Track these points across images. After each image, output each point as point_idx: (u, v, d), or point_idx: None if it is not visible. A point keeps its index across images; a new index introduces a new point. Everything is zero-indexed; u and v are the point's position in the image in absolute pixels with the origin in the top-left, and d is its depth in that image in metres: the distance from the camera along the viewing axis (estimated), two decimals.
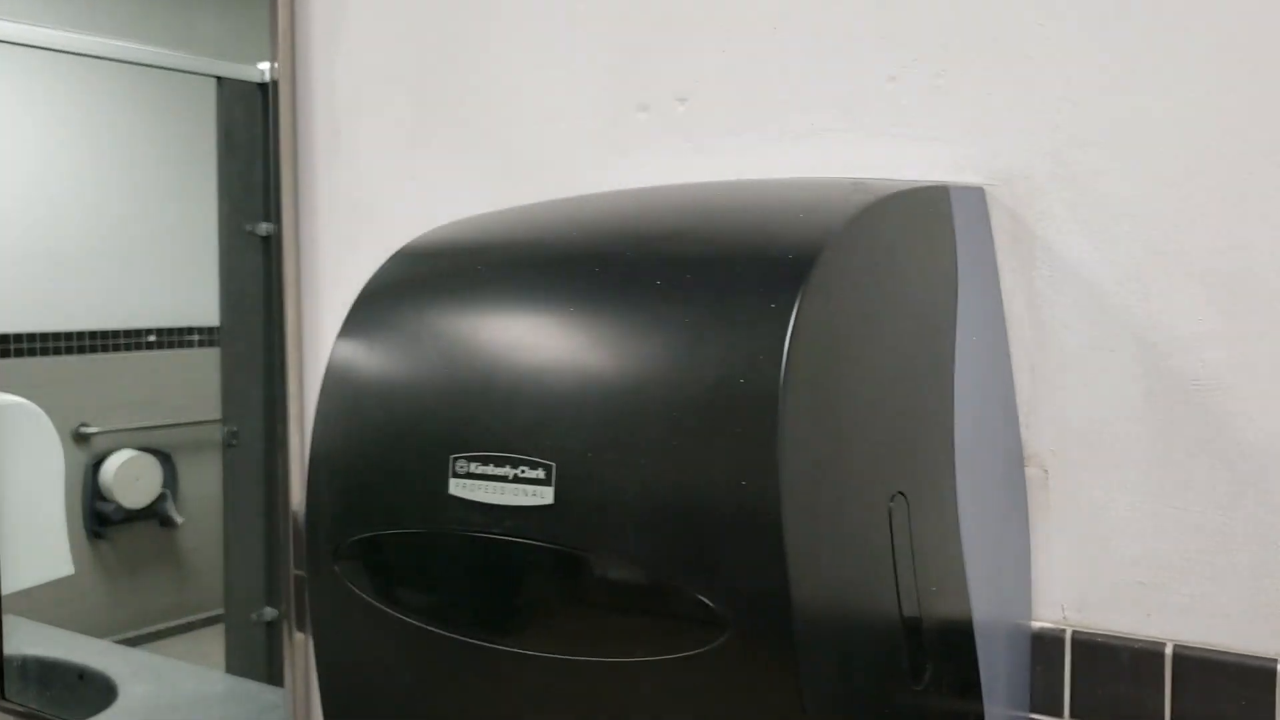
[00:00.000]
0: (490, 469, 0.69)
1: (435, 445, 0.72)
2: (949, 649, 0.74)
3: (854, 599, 0.66)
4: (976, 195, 0.82)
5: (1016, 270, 0.83)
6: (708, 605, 0.63)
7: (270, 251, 1.35)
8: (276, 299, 1.25)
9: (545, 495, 0.67)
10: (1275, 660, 0.75)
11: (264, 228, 1.41)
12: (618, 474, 0.65)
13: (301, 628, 1.24)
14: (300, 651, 1.25)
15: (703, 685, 0.64)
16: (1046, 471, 0.83)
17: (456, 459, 0.71)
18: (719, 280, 0.65)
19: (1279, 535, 0.75)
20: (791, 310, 0.61)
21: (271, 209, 1.26)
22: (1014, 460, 0.83)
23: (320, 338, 1.22)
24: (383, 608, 0.76)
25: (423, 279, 0.80)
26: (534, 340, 0.71)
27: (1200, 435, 0.77)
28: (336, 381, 0.80)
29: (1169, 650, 0.79)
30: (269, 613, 1.45)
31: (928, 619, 0.71)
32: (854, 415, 0.66)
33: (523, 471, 0.68)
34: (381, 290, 0.82)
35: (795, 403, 0.61)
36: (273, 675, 1.38)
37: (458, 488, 0.71)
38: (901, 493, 0.69)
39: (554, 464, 0.67)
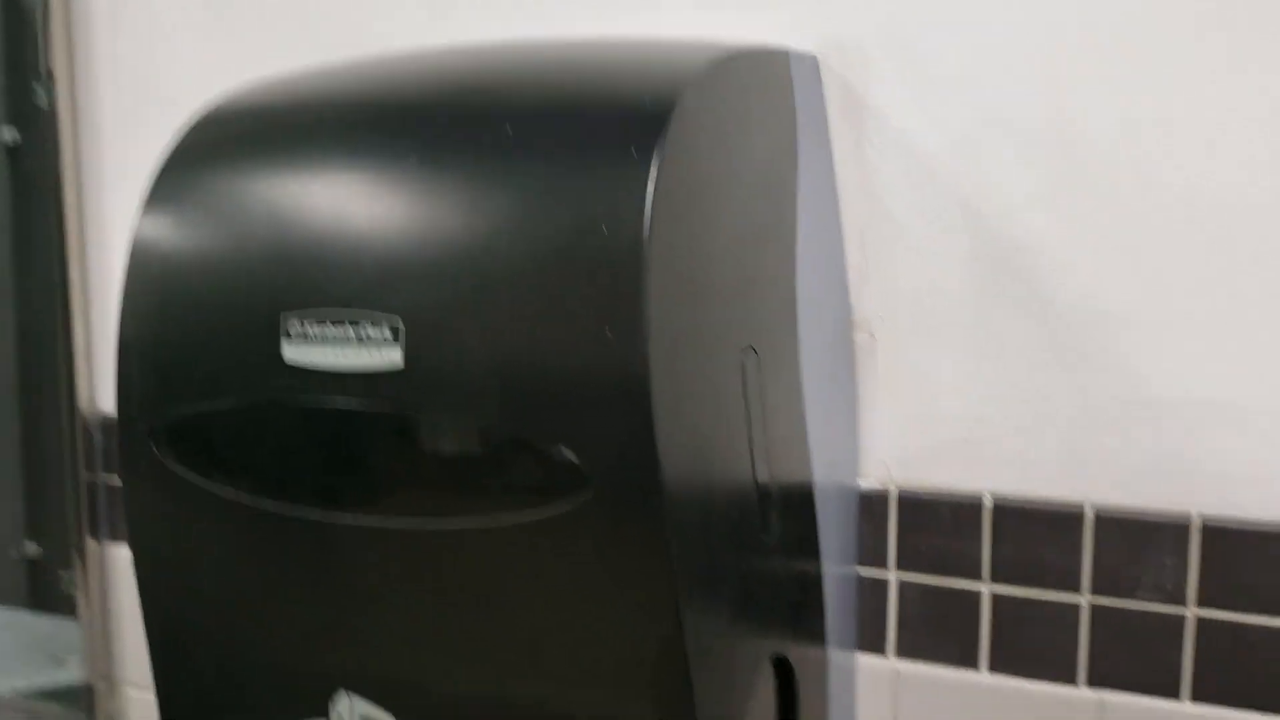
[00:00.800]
0: (328, 329, 0.66)
1: (261, 305, 0.68)
2: (792, 509, 0.76)
3: (713, 453, 0.66)
4: (810, 62, 0.82)
5: (848, 139, 0.84)
6: (573, 462, 0.62)
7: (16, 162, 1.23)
8: (53, 183, 1.15)
9: (393, 356, 0.64)
10: (1084, 505, 0.81)
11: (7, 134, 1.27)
12: (472, 327, 0.63)
13: (96, 536, 1.16)
14: (95, 563, 1.17)
15: (568, 545, 0.63)
16: (874, 337, 0.85)
17: (288, 318, 0.67)
18: (575, 127, 0.63)
19: (1091, 391, 0.80)
20: (653, 156, 0.60)
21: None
22: (844, 327, 0.85)
23: (105, 223, 1.13)
24: (212, 490, 0.71)
25: (238, 137, 0.75)
26: (374, 193, 0.67)
27: (1020, 298, 0.81)
28: (144, 254, 0.74)
29: (988, 502, 0.83)
30: (30, 548, 1.34)
31: (776, 475, 0.73)
32: (710, 267, 0.66)
33: (365, 330, 0.65)
34: (189, 153, 0.76)
35: (660, 250, 0.60)
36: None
37: (292, 352, 0.67)
38: (753, 348, 0.69)
39: (401, 321, 0.64)
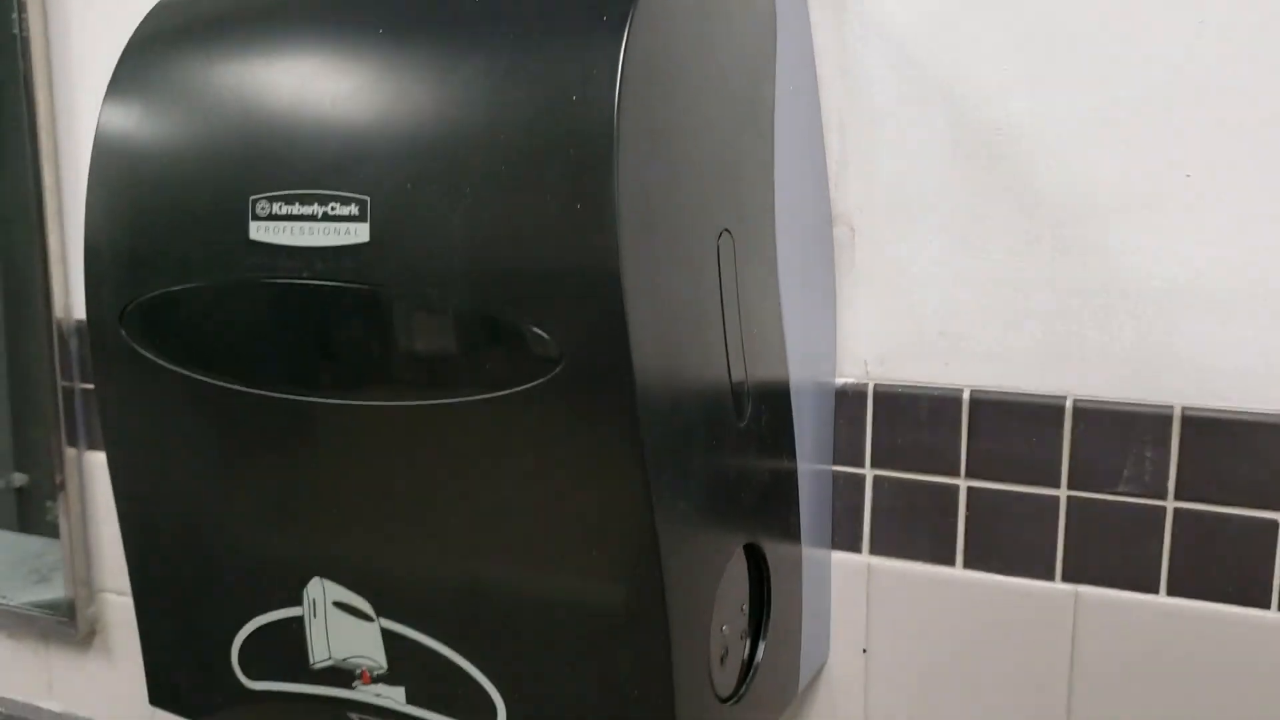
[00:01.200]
0: (296, 208, 0.65)
1: (230, 189, 0.67)
2: (767, 402, 0.75)
3: (686, 335, 0.65)
4: None
5: (828, 24, 0.82)
6: (543, 339, 0.61)
7: None
8: (25, 89, 1.13)
9: (360, 232, 0.63)
10: (1064, 398, 0.80)
11: None
12: (441, 204, 0.61)
13: (73, 443, 1.16)
14: (73, 470, 1.16)
15: (539, 423, 0.62)
16: (854, 230, 0.84)
17: (256, 200, 0.66)
18: None
19: (1071, 280, 0.79)
20: (626, 24, 0.59)
21: None
22: (823, 220, 0.84)
23: (78, 128, 1.11)
24: (183, 372, 0.71)
25: (199, 20, 0.73)
26: (338, 70, 0.65)
27: (1001, 185, 0.80)
28: (109, 141, 0.72)
29: (966, 396, 0.82)
30: (19, 478, 1.34)
31: (751, 367, 0.72)
32: (684, 143, 0.65)
33: (333, 209, 0.64)
34: (150, 39, 0.74)
35: (631, 122, 0.58)
36: None
37: (259, 231, 0.66)
38: (728, 230, 0.68)
39: (368, 198, 0.63)
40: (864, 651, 0.88)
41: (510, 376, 0.62)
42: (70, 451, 1.16)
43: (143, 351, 0.72)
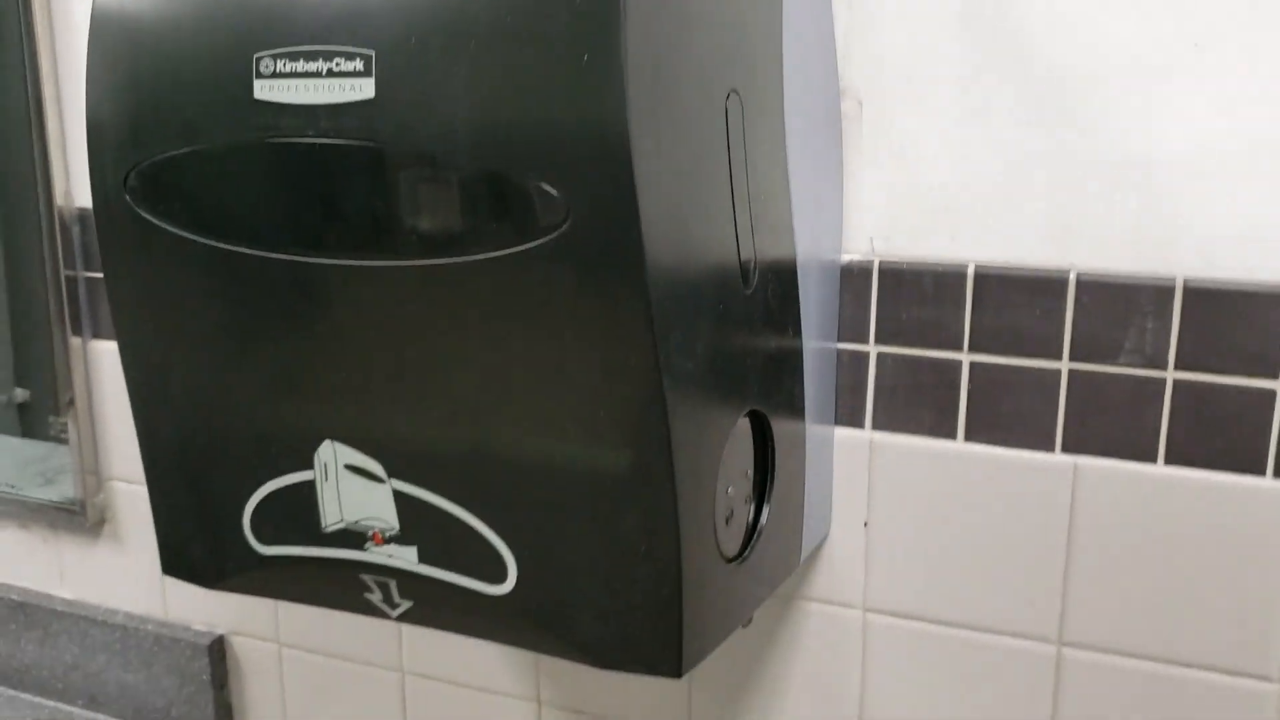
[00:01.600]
0: (300, 65, 0.64)
1: (233, 47, 0.66)
2: (774, 275, 0.75)
3: (693, 192, 0.65)
4: None
5: None
6: (549, 193, 0.61)
7: None
8: None
9: (365, 88, 0.63)
10: (1068, 271, 0.80)
11: None
12: (446, 58, 0.61)
13: (78, 332, 1.16)
14: (78, 360, 1.17)
15: (547, 282, 0.63)
16: (861, 104, 0.84)
17: (260, 58, 0.65)
18: None
19: (1076, 152, 0.79)
20: None
21: None
22: (831, 94, 0.84)
23: (74, 8, 1.10)
24: (188, 237, 0.71)
25: None
26: None
27: (1008, 56, 0.79)
28: (108, 6, 0.72)
29: (970, 271, 0.83)
30: (20, 394, 1.34)
31: (758, 230, 0.72)
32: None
33: (338, 64, 0.63)
34: None
35: None
36: None
37: (264, 90, 0.65)
38: (736, 91, 0.68)
39: (373, 53, 0.63)
40: (865, 525, 0.89)
41: (517, 234, 0.62)
42: (75, 341, 1.16)
43: (148, 217, 0.72)
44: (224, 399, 0.75)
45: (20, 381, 1.27)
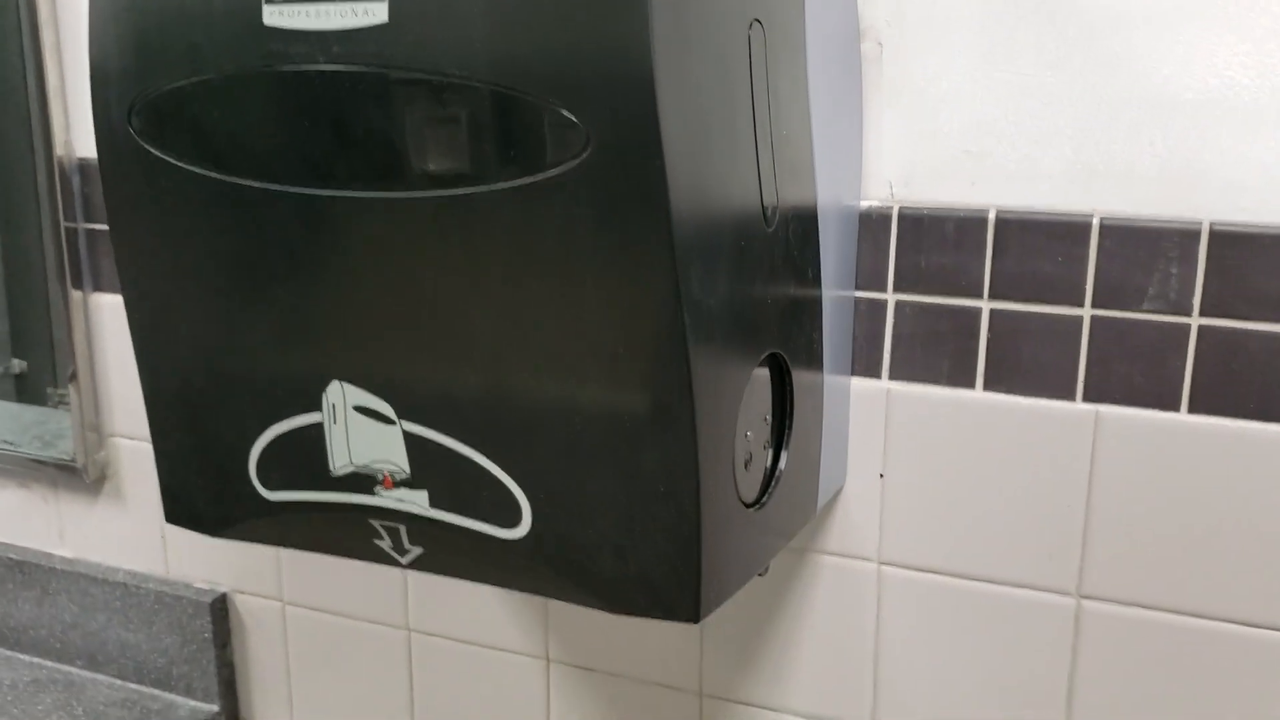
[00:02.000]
0: None
1: None
2: (795, 217, 0.74)
3: (715, 122, 0.64)
4: None
5: None
6: (568, 119, 0.59)
7: None
8: None
9: (378, 12, 0.61)
10: (1091, 216, 0.79)
11: None
12: None
13: (79, 285, 1.14)
14: (79, 314, 1.15)
15: (564, 211, 0.61)
16: (881, 45, 0.82)
17: None
18: None
19: (1102, 95, 0.77)
20: None
21: None
22: (850, 35, 0.82)
23: None
24: (195, 170, 0.69)
25: None
26: None
27: None
28: None
29: (992, 216, 0.81)
30: (17, 365, 1.32)
31: (779, 168, 0.70)
32: None
33: None
34: None
35: None
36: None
37: (273, 16, 0.64)
38: (759, 20, 0.66)
39: None
40: (881, 476, 0.88)
41: (535, 164, 0.61)
42: (76, 294, 1.14)
43: (153, 152, 0.70)
44: (230, 339, 0.73)
45: (18, 352, 1.25)
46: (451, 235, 0.64)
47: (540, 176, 0.60)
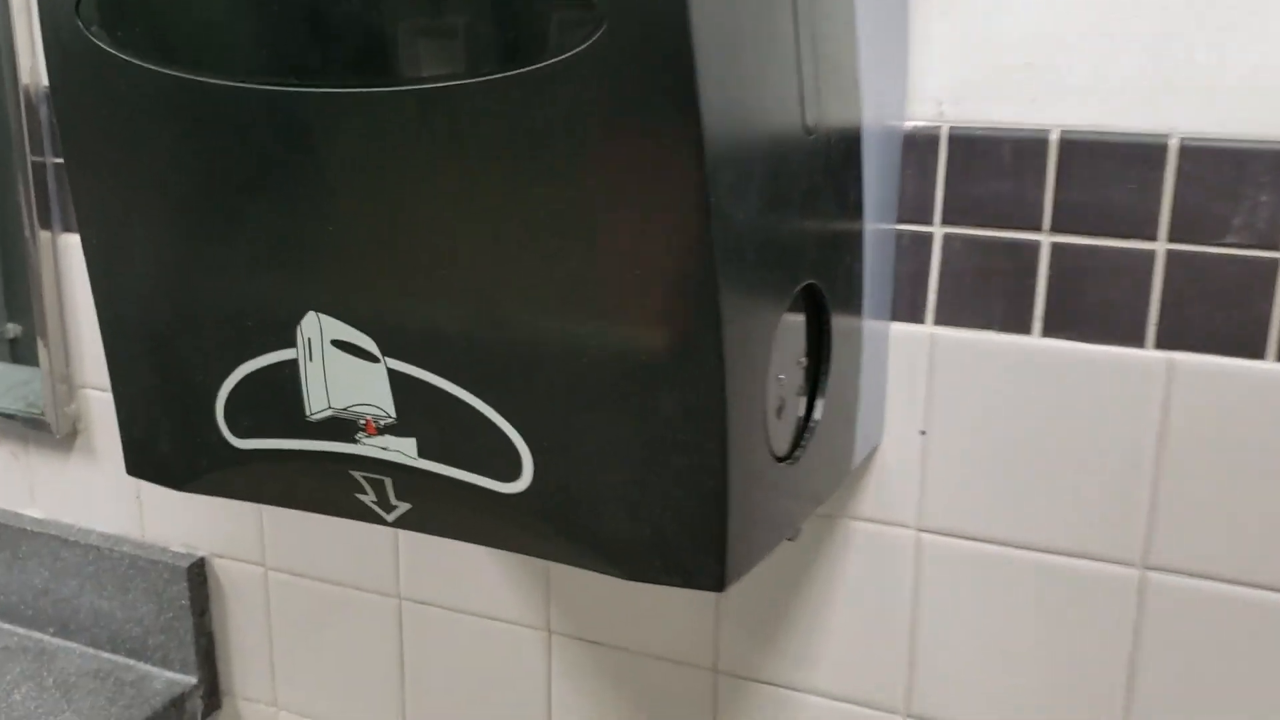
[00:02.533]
0: None
1: None
2: (835, 129, 0.65)
3: (750, 25, 0.55)
4: None
5: None
6: None
7: None
8: None
9: None
10: (1168, 136, 0.70)
11: None
12: None
13: (47, 225, 1.06)
14: (48, 255, 1.07)
15: (573, 107, 0.53)
16: None
17: None
18: None
19: None
20: None
21: None
22: None
23: None
24: (151, 68, 0.60)
25: None
26: None
27: None
28: None
29: (1054, 137, 0.72)
30: (12, 329, 1.24)
31: (820, 59, 0.61)
32: None
33: None
34: None
35: None
36: None
37: None
38: None
39: None
40: (922, 434, 0.79)
41: (540, 46, 0.52)
42: (45, 235, 1.06)
43: (104, 47, 0.61)
44: (193, 265, 0.65)
45: (14, 316, 1.17)
46: (441, 137, 0.55)
47: (544, 64, 0.51)
